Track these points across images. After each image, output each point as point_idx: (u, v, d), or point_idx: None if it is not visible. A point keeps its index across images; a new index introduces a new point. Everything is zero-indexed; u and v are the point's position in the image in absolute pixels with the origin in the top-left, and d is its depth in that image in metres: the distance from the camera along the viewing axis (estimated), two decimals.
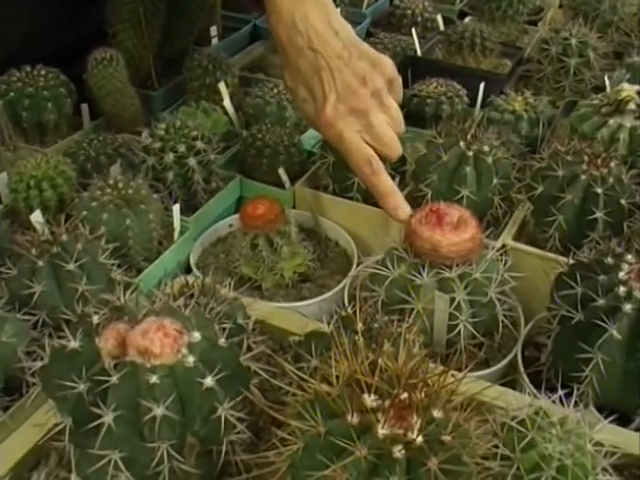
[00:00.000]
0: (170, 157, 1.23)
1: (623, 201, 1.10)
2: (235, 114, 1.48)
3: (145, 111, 1.51)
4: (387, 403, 0.66)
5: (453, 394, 0.69)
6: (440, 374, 0.69)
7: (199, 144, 1.24)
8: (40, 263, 0.97)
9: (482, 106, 1.51)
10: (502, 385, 0.92)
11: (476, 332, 0.98)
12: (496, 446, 0.73)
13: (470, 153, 1.17)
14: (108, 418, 0.69)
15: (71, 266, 0.98)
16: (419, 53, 1.70)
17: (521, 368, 0.99)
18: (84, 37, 1.44)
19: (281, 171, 1.30)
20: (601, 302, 0.89)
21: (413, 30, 1.72)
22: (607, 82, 1.46)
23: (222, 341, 0.76)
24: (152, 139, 1.25)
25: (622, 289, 0.88)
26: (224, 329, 0.78)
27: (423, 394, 0.67)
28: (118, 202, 1.11)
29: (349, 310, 0.88)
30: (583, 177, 1.10)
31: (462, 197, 1.16)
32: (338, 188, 1.28)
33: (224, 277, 1.17)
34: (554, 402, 0.78)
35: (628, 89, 1.25)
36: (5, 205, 1.24)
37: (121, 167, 1.27)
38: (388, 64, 1.13)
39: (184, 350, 0.71)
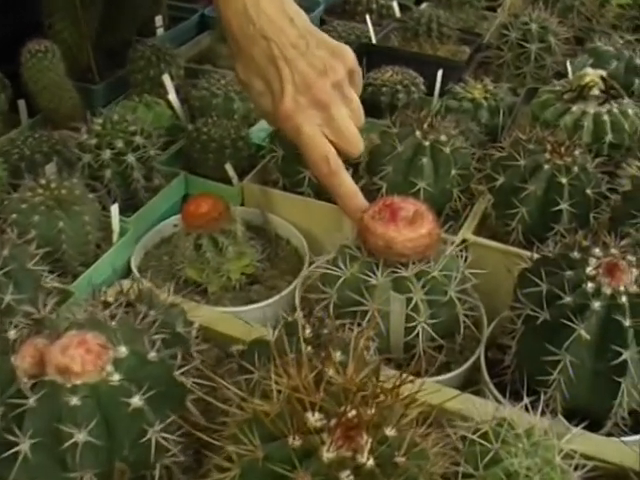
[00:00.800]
0: (107, 154, 1.16)
1: (589, 191, 1.07)
2: (180, 107, 1.41)
3: (86, 106, 1.43)
4: (333, 422, 0.59)
5: (409, 407, 0.63)
6: (393, 388, 0.62)
7: (138, 139, 1.18)
8: None
9: (440, 95, 1.47)
10: (465, 389, 0.88)
11: (435, 334, 0.93)
12: (457, 463, 0.67)
13: (427, 143, 1.12)
14: (24, 446, 0.63)
15: None
16: (374, 41, 1.66)
17: (485, 372, 0.94)
18: (21, 29, 1.38)
19: (228, 166, 1.24)
20: (568, 300, 0.84)
21: (367, 17, 1.66)
22: (569, 67, 1.43)
23: (153, 355, 0.70)
24: (88, 135, 1.17)
25: (590, 285, 0.84)
26: (157, 340, 0.71)
27: (374, 409, 0.60)
28: (50, 203, 1.05)
29: (296, 315, 0.81)
30: (546, 167, 1.06)
31: (419, 190, 1.11)
32: (288, 183, 1.22)
33: (167, 281, 1.12)
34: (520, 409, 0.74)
35: (591, 74, 1.22)
36: None
37: (57, 166, 1.20)
38: (348, 54, 1.07)
39: (108, 367, 0.66)
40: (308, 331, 0.79)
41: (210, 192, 1.12)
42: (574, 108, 1.22)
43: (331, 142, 1.02)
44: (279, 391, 0.62)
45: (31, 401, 0.63)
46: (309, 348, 0.77)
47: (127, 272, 1.14)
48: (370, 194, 1.11)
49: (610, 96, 1.22)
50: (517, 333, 0.89)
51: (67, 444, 0.63)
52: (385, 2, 1.90)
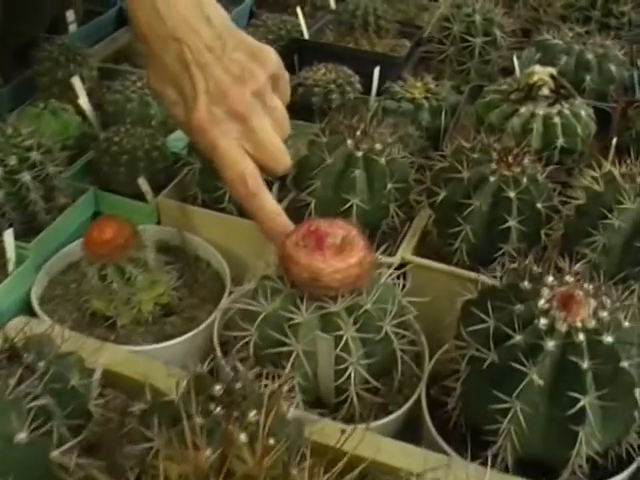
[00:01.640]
0: None
1: (539, 205, 0.98)
2: (93, 113, 1.28)
3: None
4: None
5: None
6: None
7: (34, 155, 1.05)
8: None
9: (378, 94, 1.38)
10: (405, 432, 0.83)
11: (370, 375, 0.82)
12: None
13: (359, 153, 1.01)
14: None
15: None
16: (306, 36, 1.57)
17: (427, 416, 0.84)
18: None
19: (141, 181, 1.13)
20: (518, 339, 0.74)
21: (299, 10, 1.55)
22: (516, 63, 1.35)
23: (22, 436, 0.58)
24: None
25: (542, 321, 0.74)
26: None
27: None
28: None
29: (205, 367, 0.70)
30: (492, 179, 0.97)
31: (351, 206, 1.01)
32: (208, 198, 1.11)
33: (74, 312, 1.01)
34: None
35: (540, 72, 1.16)
36: None
37: None
38: (271, 56, 0.93)
39: None
40: (218, 388, 0.68)
41: (115, 215, 1.00)
42: (522, 110, 1.15)
43: (252, 157, 0.90)
44: None
45: None
46: (218, 409, 0.66)
47: (29, 304, 1.02)
48: (299, 211, 1.02)
49: (560, 96, 1.15)
50: (462, 374, 0.79)
51: None
52: None
